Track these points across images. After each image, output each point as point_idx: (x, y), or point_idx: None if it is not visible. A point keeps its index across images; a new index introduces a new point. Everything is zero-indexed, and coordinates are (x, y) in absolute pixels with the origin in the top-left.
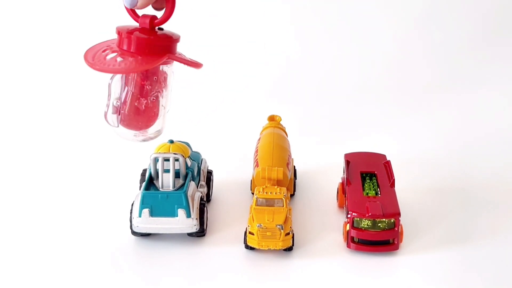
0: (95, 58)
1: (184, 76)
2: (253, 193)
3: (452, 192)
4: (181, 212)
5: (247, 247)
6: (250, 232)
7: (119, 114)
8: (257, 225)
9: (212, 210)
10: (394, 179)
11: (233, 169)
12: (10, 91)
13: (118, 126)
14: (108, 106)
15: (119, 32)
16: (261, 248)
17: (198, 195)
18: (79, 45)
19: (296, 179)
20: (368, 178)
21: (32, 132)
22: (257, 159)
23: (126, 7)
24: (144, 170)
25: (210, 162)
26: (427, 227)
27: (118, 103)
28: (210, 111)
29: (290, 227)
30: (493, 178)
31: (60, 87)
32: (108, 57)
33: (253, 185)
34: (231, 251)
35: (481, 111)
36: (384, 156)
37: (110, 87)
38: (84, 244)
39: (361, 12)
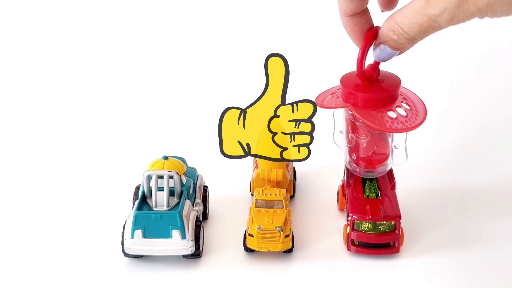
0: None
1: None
2: (252, 195)
3: (453, 195)
4: (175, 233)
5: (246, 249)
6: (249, 234)
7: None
8: (257, 227)
9: (209, 229)
10: (395, 182)
11: (230, 183)
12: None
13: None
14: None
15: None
16: (260, 250)
17: (193, 214)
18: (78, 45)
19: (295, 180)
20: (368, 180)
21: (23, 145)
22: (256, 161)
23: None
24: (137, 188)
25: (207, 176)
26: (428, 230)
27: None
28: (205, 121)
29: (290, 229)
30: (494, 181)
31: (52, 103)
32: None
33: (252, 186)
34: (229, 274)
35: (483, 113)
36: None
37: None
38: (73, 266)
39: None
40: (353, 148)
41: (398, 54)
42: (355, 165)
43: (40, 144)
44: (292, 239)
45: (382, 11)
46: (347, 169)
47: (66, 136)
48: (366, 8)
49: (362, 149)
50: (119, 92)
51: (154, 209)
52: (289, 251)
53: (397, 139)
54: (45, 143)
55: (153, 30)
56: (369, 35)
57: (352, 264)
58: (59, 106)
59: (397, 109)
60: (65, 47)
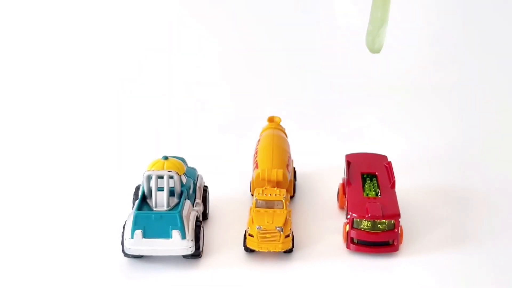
0: None
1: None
2: (252, 195)
3: (453, 194)
4: (175, 233)
5: (246, 249)
6: (249, 234)
7: None
8: (257, 227)
9: (209, 229)
10: (394, 180)
11: (230, 183)
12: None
13: None
14: None
15: None
16: (260, 251)
17: (193, 215)
18: (78, 45)
19: (296, 180)
20: (368, 179)
21: (23, 145)
22: (256, 161)
23: None
24: (137, 188)
25: (207, 176)
26: (427, 228)
27: None
28: (205, 121)
29: (290, 229)
30: (495, 180)
31: (52, 103)
32: None
33: (252, 186)
34: (229, 274)
35: (484, 112)
36: (385, 157)
37: None
38: (72, 267)
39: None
40: None
41: None
42: None
43: (40, 144)
44: (292, 239)
45: None
46: (348, 167)
47: (65, 136)
48: None
49: None
50: (119, 92)
51: (154, 209)
52: (289, 251)
53: None
54: (45, 143)
55: (153, 30)
56: None
57: (352, 264)
58: (58, 106)
59: None
60: (65, 47)
